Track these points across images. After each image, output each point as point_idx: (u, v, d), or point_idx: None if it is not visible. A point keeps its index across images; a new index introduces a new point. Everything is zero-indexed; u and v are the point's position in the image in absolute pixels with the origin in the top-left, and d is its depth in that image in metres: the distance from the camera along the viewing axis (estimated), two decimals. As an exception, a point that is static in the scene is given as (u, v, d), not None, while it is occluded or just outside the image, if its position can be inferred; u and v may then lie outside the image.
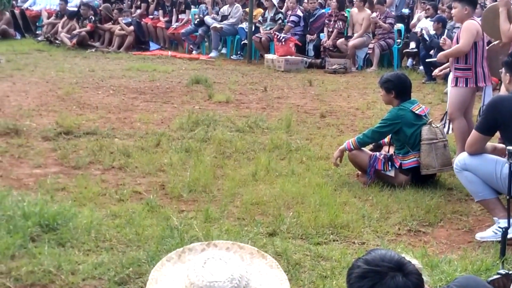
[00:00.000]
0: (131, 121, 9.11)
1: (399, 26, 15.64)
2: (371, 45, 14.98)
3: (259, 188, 6.36)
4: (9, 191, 5.72)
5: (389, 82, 6.74)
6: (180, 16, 17.64)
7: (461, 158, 5.46)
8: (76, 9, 18.19)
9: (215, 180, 6.58)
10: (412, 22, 15.66)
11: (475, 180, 5.34)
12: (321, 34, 15.80)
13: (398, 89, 6.72)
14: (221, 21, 16.71)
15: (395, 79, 6.76)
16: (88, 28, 17.38)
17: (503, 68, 5.62)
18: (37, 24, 19.81)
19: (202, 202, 5.95)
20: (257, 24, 16.23)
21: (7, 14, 18.60)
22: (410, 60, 15.34)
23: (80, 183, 6.27)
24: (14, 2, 20.00)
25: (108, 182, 6.47)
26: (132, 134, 8.35)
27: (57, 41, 17.37)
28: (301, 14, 15.96)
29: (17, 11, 19.07)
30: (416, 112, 6.62)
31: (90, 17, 17.60)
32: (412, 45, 14.64)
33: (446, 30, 12.93)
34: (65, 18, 17.97)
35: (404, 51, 15.14)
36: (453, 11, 7.78)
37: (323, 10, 16.33)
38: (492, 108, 5.28)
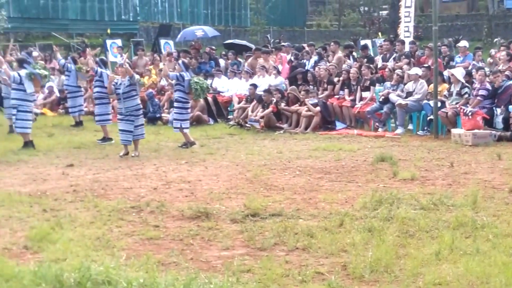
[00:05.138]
0: (316, 202, 9.29)
1: None
2: None
3: (442, 268, 6.28)
4: (197, 274, 6.02)
5: None
6: (363, 94, 17.78)
7: None
8: (265, 93, 18.79)
9: (397, 260, 6.57)
10: None
11: None
12: (510, 106, 15.36)
13: None
14: (406, 97, 16.70)
15: None
16: (270, 109, 17.95)
17: None
18: (228, 109, 20.69)
19: (383, 282, 5.97)
20: (442, 99, 16.09)
21: (201, 101, 19.58)
22: None
23: (264, 264, 6.47)
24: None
25: (291, 263, 6.64)
26: (316, 214, 8.52)
27: (247, 125, 18.05)
28: (490, 88, 15.63)
29: (210, 98, 20.00)
30: None
31: (273, 100, 18.14)
32: None
33: None
34: (255, 102, 18.68)
35: None
36: None
37: (510, 82, 15.90)
38: None
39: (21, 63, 15.11)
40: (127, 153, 13.62)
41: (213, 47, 27.02)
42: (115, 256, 6.79)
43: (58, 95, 22.96)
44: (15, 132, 15.28)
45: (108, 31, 34.74)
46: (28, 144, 14.46)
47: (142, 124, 14.04)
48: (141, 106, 14.14)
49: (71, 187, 10.43)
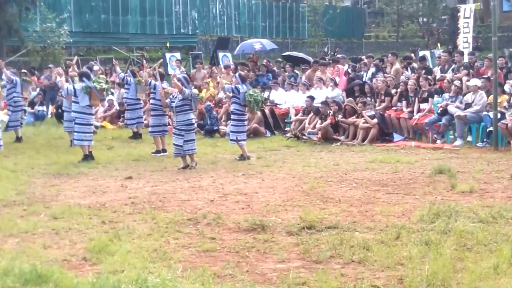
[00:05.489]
0: (372, 214, 9.25)
1: None
2: None
3: (500, 282, 6.20)
4: (253, 286, 6.06)
5: None
6: (421, 106, 17.62)
7: None
8: (322, 105, 18.79)
9: (454, 274, 6.50)
10: None
11: None
12: None
13: None
14: (465, 109, 16.50)
15: None
16: (328, 121, 17.90)
17: None
18: (285, 121, 20.71)
19: (440, 297, 5.92)
20: (502, 110, 15.85)
21: (258, 113, 19.65)
22: None
23: (320, 277, 6.46)
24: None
25: (347, 276, 6.62)
26: (373, 227, 8.48)
27: (304, 137, 18.05)
28: (549, 97, 15.39)
29: (267, 110, 20.05)
30: None
31: (330, 112, 18.12)
32: None
33: None
34: (312, 114, 18.68)
35: None
36: None
37: None
38: None
39: (81, 76, 15.39)
40: (186, 166, 13.73)
41: (279, 59, 27.22)
42: (172, 268, 6.87)
43: (118, 108, 23.29)
44: (72, 145, 15.69)
45: (168, 44, 35.18)
46: (87, 156, 14.72)
47: (193, 140, 13.94)
48: (194, 122, 14.19)
49: (129, 199, 10.58)
